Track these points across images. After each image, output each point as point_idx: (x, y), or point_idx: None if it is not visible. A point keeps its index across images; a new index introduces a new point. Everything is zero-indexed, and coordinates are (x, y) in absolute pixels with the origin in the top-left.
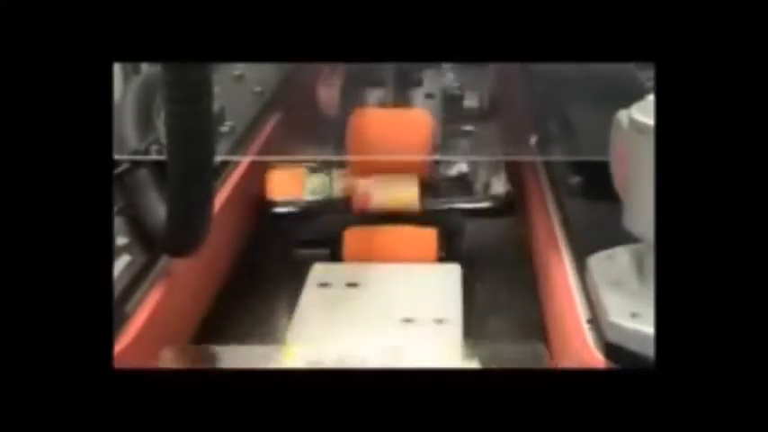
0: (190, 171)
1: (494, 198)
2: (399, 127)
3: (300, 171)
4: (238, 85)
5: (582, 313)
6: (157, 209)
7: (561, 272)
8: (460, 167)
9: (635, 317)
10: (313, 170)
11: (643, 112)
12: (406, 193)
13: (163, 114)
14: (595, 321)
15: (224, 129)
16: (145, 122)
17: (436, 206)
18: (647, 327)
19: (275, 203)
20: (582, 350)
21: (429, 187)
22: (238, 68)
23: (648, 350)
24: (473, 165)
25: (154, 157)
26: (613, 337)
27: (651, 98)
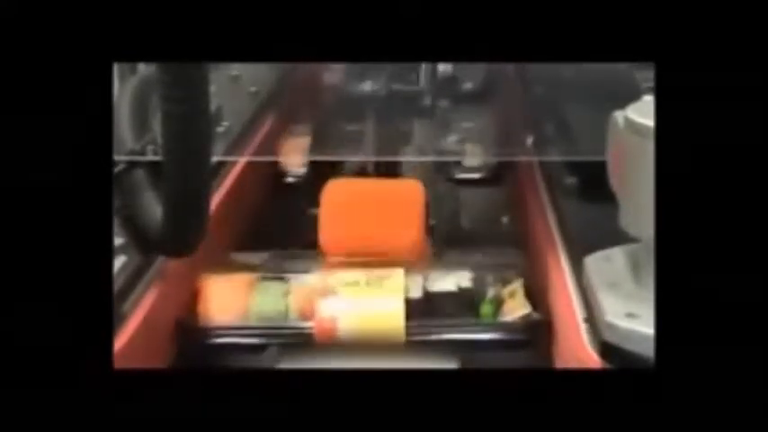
0: (186, 171)
1: (506, 327)
2: (384, 203)
3: (246, 280)
4: (235, 86)
5: (579, 313)
6: (154, 209)
7: (559, 272)
8: (460, 280)
9: (631, 317)
10: (265, 279)
11: (639, 113)
12: (387, 319)
13: (159, 114)
14: (592, 321)
15: (220, 129)
16: (141, 123)
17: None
18: (643, 327)
19: (207, 333)
20: (579, 349)
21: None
22: (235, 69)
23: (644, 350)
24: (478, 276)
25: (150, 157)
26: (609, 337)
27: (647, 99)
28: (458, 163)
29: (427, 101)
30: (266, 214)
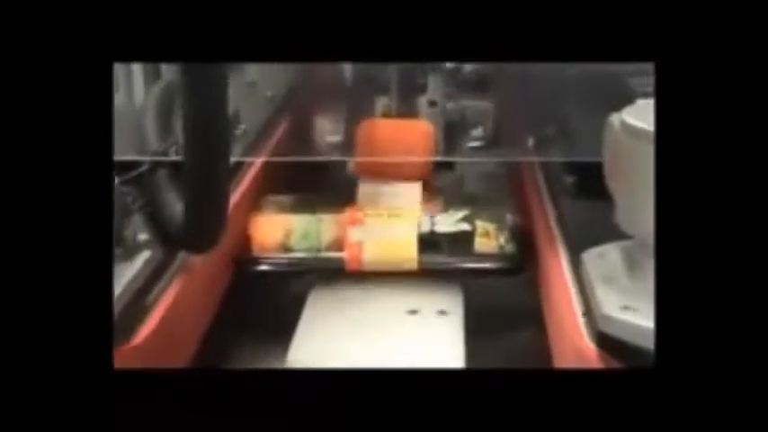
0: (206, 171)
1: None
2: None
3: None
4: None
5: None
6: (176, 207)
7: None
8: None
9: (626, 309)
10: None
11: (634, 116)
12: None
13: (182, 117)
14: (589, 313)
15: (238, 131)
16: (165, 125)
17: None
18: (638, 319)
19: None
20: (577, 340)
21: None
22: (251, 75)
23: (639, 341)
24: None
25: (173, 157)
26: (606, 328)
27: (641, 102)
28: (466, 248)
29: None
30: (221, 324)
